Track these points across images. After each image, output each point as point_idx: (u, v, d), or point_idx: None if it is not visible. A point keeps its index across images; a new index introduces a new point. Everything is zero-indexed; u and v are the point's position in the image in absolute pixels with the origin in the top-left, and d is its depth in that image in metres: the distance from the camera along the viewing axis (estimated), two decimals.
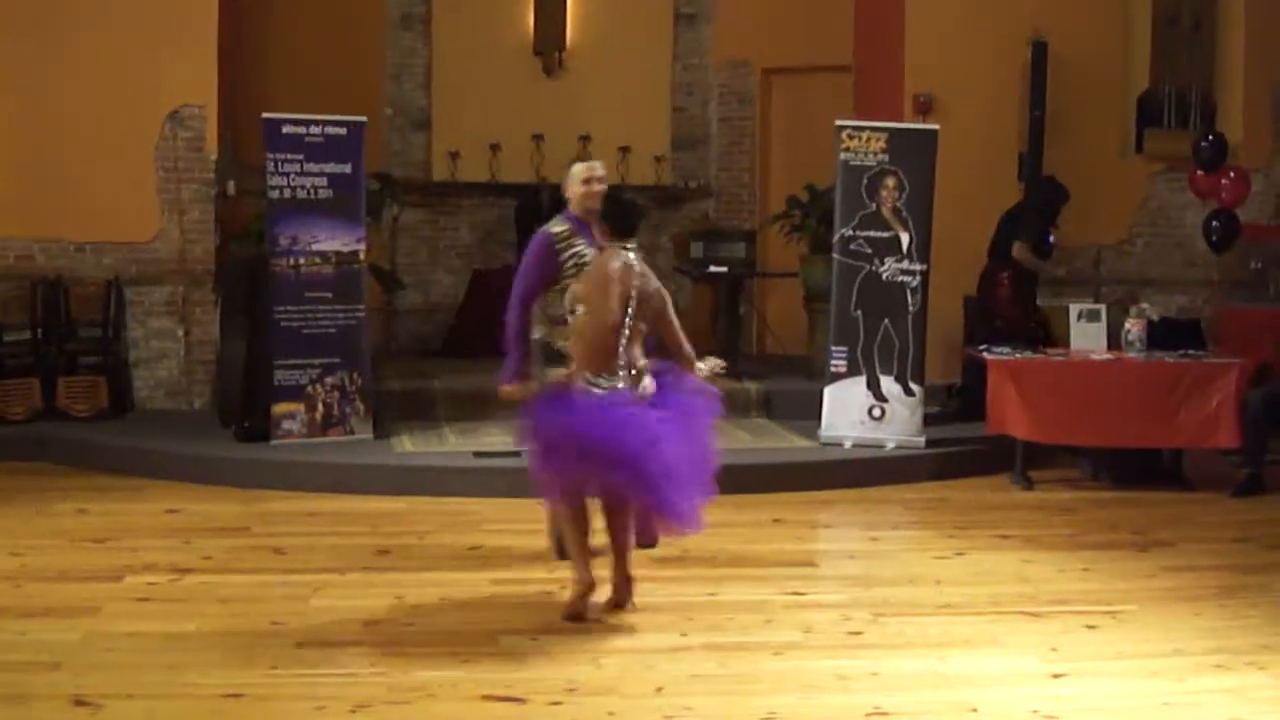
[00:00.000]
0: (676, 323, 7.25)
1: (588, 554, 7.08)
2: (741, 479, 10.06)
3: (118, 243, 12.29)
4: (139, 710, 5.74)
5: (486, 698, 5.88)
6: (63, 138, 12.07)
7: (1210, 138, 12.46)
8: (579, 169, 7.82)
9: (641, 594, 7.34)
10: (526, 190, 15.27)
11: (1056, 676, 6.26)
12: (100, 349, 12.18)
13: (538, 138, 15.48)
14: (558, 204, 15.05)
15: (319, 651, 6.47)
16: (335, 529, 8.51)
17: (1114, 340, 10.93)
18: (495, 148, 15.43)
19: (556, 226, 7.71)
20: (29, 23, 12.10)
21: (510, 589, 7.56)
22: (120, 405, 12.07)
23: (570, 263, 7.59)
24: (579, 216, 7.68)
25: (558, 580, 7.68)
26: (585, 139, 15.41)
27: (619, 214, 7.24)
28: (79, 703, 5.75)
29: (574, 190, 7.74)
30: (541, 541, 8.52)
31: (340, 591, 7.37)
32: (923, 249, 11.07)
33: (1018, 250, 11.62)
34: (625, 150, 15.57)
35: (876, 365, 11.08)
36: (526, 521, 9.11)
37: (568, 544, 7.19)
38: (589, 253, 7.50)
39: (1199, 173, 12.44)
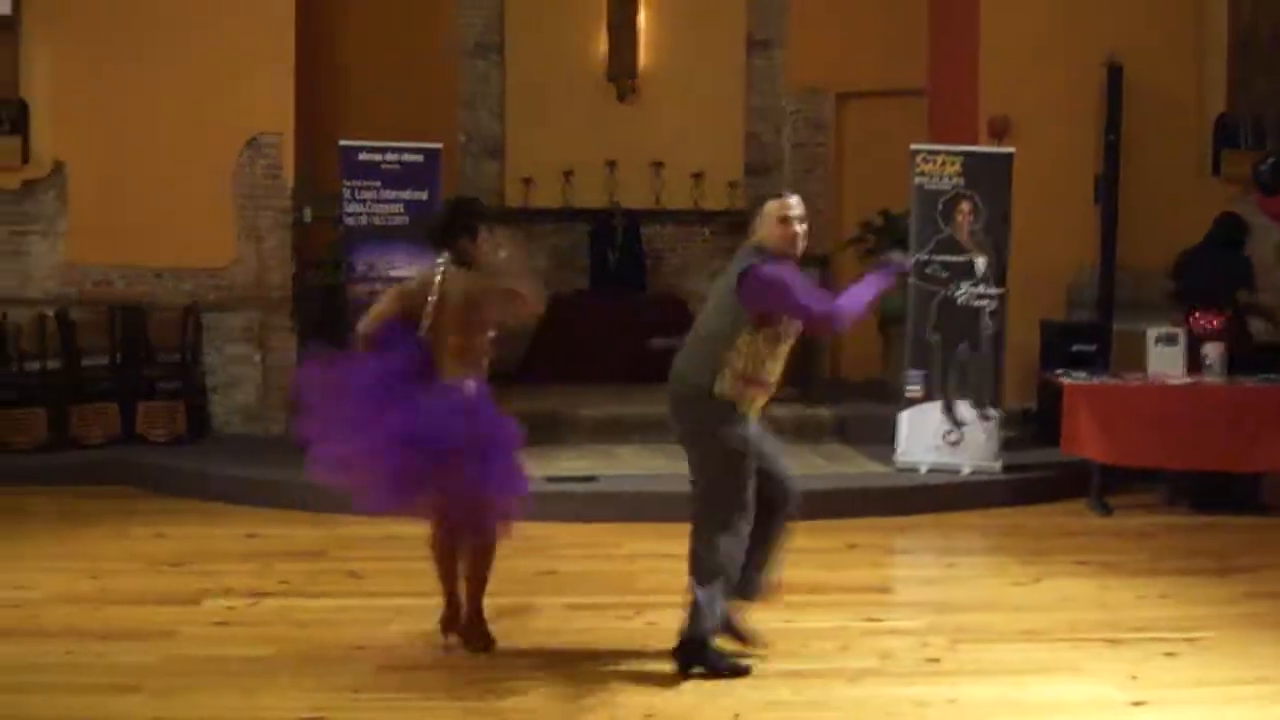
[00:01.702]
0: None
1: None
2: (816, 504, 9.95)
3: (196, 269, 12.44)
4: None
5: None
6: (142, 165, 12.23)
7: (1269, 160, 12.31)
8: (772, 205, 6.83)
9: None
10: (600, 216, 15.34)
11: (1136, 704, 6.19)
12: (178, 374, 12.33)
13: (611, 164, 15.54)
14: (631, 230, 15.28)
15: (398, 676, 6.50)
16: (411, 553, 8.47)
17: (1192, 364, 10.83)
18: (568, 174, 15.51)
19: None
20: (108, 51, 12.29)
21: (585, 614, 7.56)
22: (198, 430, 12.19)
23: None
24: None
25: (633, 605, 7.70)
26: (658, 165, 15.48)
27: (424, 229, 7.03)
28: None
29: (769, 231, 6.82)
30: (613, 565, 8.58)
31: (418, 616, 7.37)
32: (999, 273, 11.02)
33: (1246, 298, 11.34)
34: (698, 176, 15.62)
35: (953, 390, 11.03)
36: (600, 546, 9.17)
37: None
38: None
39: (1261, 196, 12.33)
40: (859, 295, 6.76)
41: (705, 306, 6.98)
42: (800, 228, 6.77)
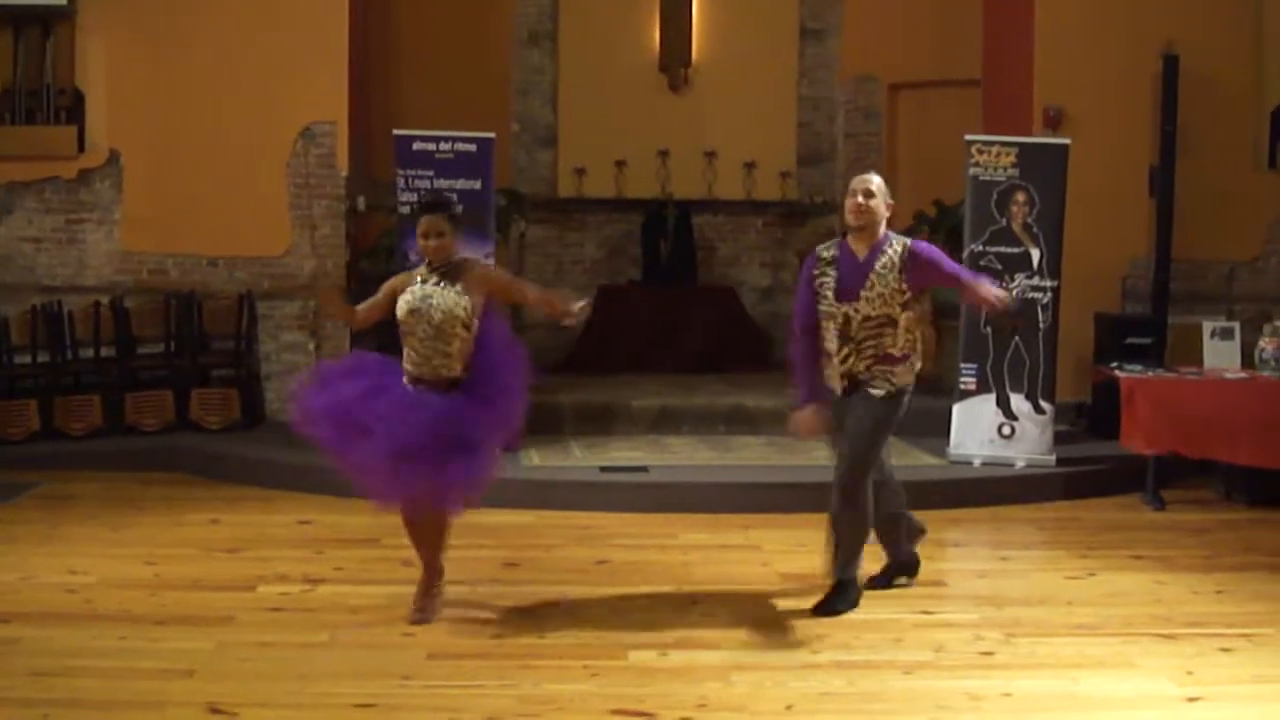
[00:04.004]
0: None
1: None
2: None
3: (250, 257, 12.49)
4: (272, 719, 5.80)
5: (616, 712, 5.88)
6: (196, 154, 12.29)
7: None
8: (854, 180, 7.43)
9: (770, 612, 7.38)
10: (652, 206, 15.33)
11: (1192, 700, 6.14)
12: (232, 362, 12.39)
13: (663, 154, 15.55)
14: (682, 220, 15.28)
15: (449, 663, 6.52)
16: (463, 541, 8.53)
17: (1248, 358, 10.76)
18: (621, 164, 15.53)
19: (825, 251, 7.46)
20: (163, 41, 12.36)
21: (638, 603, 7.56)
22: (252, 417, 12.25)
23: (822, 291, 7.39)
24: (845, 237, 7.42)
25: (687, 595, 7.71)
26: (711, 155, 15.47)
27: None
28: (214, 710, 5.83)
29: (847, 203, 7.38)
30: (666, 555, 8.59)
31: (469, 604, 7.41)
32: (1053, 265, 10.95)
33: None
34: (750, 166, 15.61)
35: (1006, 383, 10.98)
36: (653, 536, 9.17)
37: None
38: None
39: None
40: (797, 373, 7.61)
41: None
42: (862, 201, 7.28)
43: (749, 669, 6.46)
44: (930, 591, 7.83)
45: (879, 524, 7.62)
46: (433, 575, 7.36)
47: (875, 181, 7.33)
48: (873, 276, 7.22)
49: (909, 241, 7.36)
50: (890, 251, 7.24)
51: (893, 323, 7.26)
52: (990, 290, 7.30)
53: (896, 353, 7.30)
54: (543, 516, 9.75)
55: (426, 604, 7.26)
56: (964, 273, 7.70)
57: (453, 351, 7.04)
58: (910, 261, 7.23)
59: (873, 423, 7.32)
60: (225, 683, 6.19)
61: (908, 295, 7.26)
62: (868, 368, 7.30)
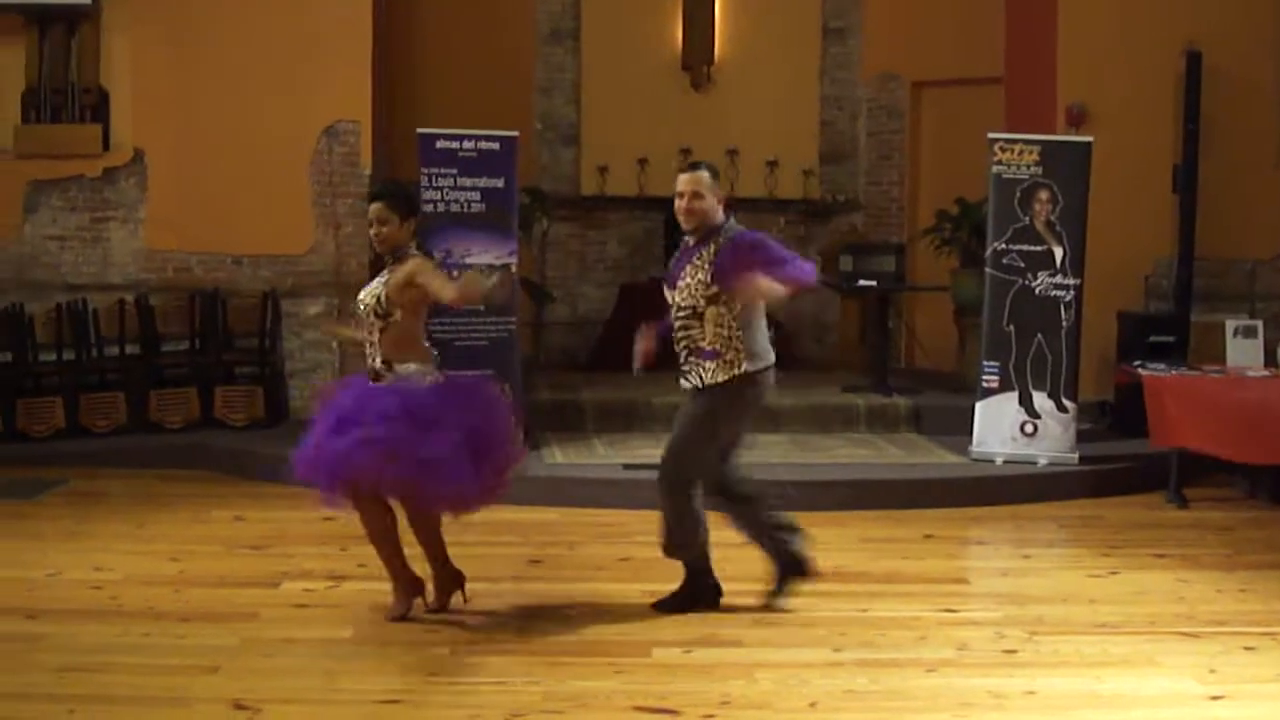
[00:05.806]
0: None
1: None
2: (892, 494, 10.04)
3: (274, 256, 12.52)
4: (297, 715, 5.83)
5: (640, 709, 5.89)
6: (220, 153, 12.31)
7: None
8: (681, 180, 7.27)
9: (794, 609, 7.37)
10: (674, 204, 15.29)
11: (1215, 698, 6.14)
12: (256, 360, 12.42)
13: (686, 152, 15.46)
14: None
15: (474, 659, 6.54)
16: (487, 539, 8.56)
17: (1270, 356, 10.74)
18: (643, 162, 15.50)
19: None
20: (188, 39, 12.38)
21: None
22: (276, 415, 12.27)
23: None
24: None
25: None
26: (733, 153, 15.43)
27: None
28: (238, 706, 5.85)
29: None
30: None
31: (493, 601, 7.42)
32: (1076, 263, 10.94)
33: None
34: (773, 164, 15.58)
35: (1029, 381, 10.97)
36: None
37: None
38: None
39: None
40: None
41: None
42: (681, 202, 7.20)
43: (772, 666, 6.47)
44: (953, 590, 7.84)
45: (743, 528, 7.59)
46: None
47: (704, 180, 7.20)
48: (689, 267, 7.19)
49: (737, 232, 7.20)
50: (714, 244, 7.13)
51: (698, 316, 7.16)
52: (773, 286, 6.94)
53: (706, 347, 7.19)
54: (566, 513, 9.77)
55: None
56: (788, 264, 7.13)
57: (375, 340, 7.17)
58: (725, 252, 7.08)
59: (688, 418, 7.32)
60: (250, 679, 6.21)
61: (714, 289, 7.09)
62: (685, 359, 7.28)
